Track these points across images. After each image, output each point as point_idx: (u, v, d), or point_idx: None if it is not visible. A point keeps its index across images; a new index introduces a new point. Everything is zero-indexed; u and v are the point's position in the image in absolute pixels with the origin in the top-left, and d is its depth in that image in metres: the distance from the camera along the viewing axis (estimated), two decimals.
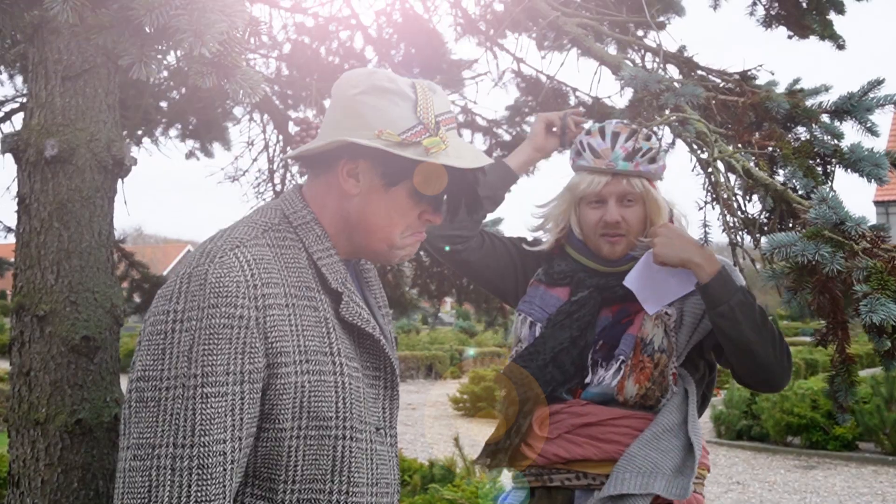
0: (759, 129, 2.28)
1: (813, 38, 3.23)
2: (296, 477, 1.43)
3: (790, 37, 3.14)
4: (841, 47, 3.15)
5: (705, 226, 2.34)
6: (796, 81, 2.54)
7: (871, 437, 11.44)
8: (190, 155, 5.51)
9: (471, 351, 17.67)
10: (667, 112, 2.22)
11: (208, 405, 1.34)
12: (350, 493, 1.46)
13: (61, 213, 2.92)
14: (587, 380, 2.21)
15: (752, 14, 3.45)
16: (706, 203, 2.32)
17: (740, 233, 2.06)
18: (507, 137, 5.37)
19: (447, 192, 1.54)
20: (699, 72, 2.86)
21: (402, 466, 6.25)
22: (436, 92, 1.56)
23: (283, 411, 1.41)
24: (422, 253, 5.56)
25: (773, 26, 3.26)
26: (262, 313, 1.39)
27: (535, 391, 2.19)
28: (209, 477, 1.33)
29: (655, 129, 2.26)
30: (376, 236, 1.56)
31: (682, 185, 2.62)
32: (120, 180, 3.21)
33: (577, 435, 2.18)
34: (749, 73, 2.75)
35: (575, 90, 4.49)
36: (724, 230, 2.02)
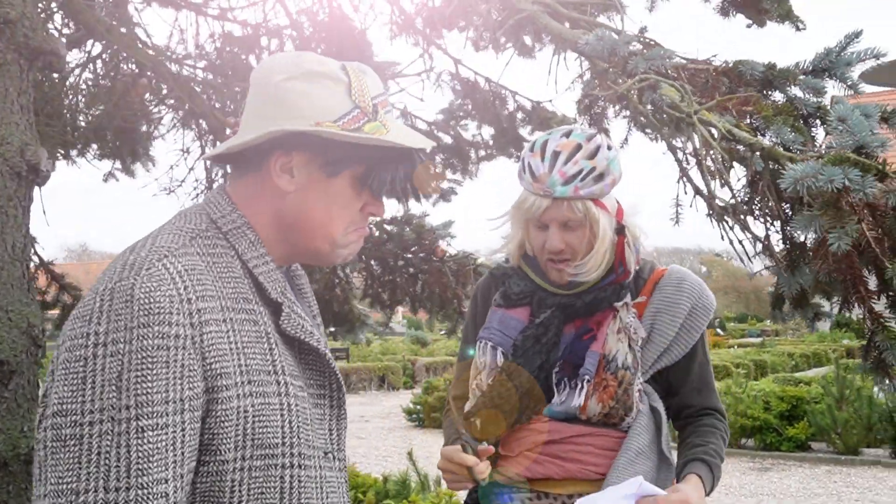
0: (734, 95, 2.07)
1: (772, 25, 3.03)
2: None
3: (749, 25, 2.94)
4: (800, 29, 2.96)
5: (677, 205, 2.12)
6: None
7: (824, 437, 11.31)
8: (109, 177, 5.10)
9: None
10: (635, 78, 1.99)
11: (145, 440, 1.15)
12: None
13: None
14: (552, 399, 2.04)
15: (707, 0, 3.24)
16: (679, 180, 2.10)
17: (721, 207, 1.84)
18: (448, 140, 5.15)
19: (393, 177, 1.37)
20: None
21: (355, 482, 5.91)
22: (367, 73, 1.40)
23: (225, 441, 1.24)
24: (373, 262, 5.28)
25: (732, 14, 3.04)
26: (198, 331, 1.22)
27: (508, 421, 2.04)
28: None
29: (605, 130, 2.02)
30: (317, 234, 1.38)
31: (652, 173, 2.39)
32: (38, 188, 2.90)
33: (539, 453, 2.02)
34: (707, 61, 2.56)
35: (514, 94, 4.28)
36: (709, 211, 1.80)
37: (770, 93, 2.11)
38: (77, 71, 4.33)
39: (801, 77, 1.98)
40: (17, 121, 2.69)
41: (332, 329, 5.72)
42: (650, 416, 2.02)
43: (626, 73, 2.08)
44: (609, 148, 1.99)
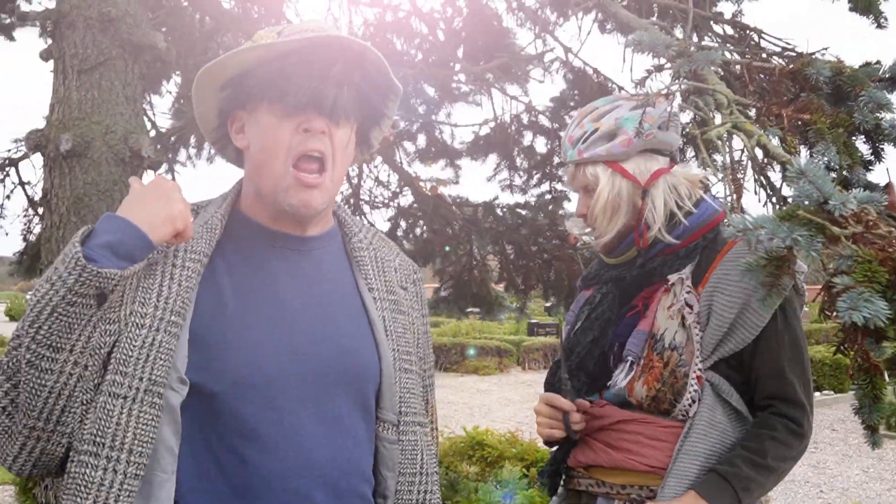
0: (796, 101, 1.72)
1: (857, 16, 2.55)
2: None
3: (851, 8, 2.48)
4: (882, 25, 2.44)
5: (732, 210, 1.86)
6: (868, 64, 1.86)
7: None
8: None
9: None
10: (679, 80, 1.71)
11: None
12: None
13: (78, 208, 2.75)
14: (609, 381, 1.89)
15: None
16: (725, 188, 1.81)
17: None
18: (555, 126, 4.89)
19: (296, 81, 1.30)
20: (753, 34, 2.29)
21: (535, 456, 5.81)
22: (303, 22, 1.42)
23: None
24: (508, 246, 5.15)
25: None
26: None
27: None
28: None
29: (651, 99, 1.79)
30: (265, 174, 1.35)
31: None
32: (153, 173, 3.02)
33: (595, 439, 1.88)
34: (813, 56, 2.15)
35: (621, 88, 3.95)
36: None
37: (845, 101, 1.73)
38: None
39: (870, 86, 1.59)
40: (122, 111, 2.80)
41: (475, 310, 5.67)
42: (724, 411, 1.74)
43: (675, 75, 1.79)
44: (637, 108, 1.79)
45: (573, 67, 4.23)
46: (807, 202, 1.15)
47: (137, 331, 1.23)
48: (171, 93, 4.29)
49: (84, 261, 1.16)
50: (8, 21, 3.94)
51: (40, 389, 1.19)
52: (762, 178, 1.64)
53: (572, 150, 1.86)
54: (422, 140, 4.86)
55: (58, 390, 1.20)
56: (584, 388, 1.91)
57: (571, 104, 4.33)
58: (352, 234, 1.51)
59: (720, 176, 1.58)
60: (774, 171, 1.59)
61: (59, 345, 1.19)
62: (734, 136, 1.60)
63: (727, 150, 1.55)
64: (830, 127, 1.54)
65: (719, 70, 1.78)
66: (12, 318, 30.04)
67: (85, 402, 1.22)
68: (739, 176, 1.55)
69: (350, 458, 1.36)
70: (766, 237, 1.13)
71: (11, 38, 3.98)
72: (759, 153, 1.67)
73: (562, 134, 1.97)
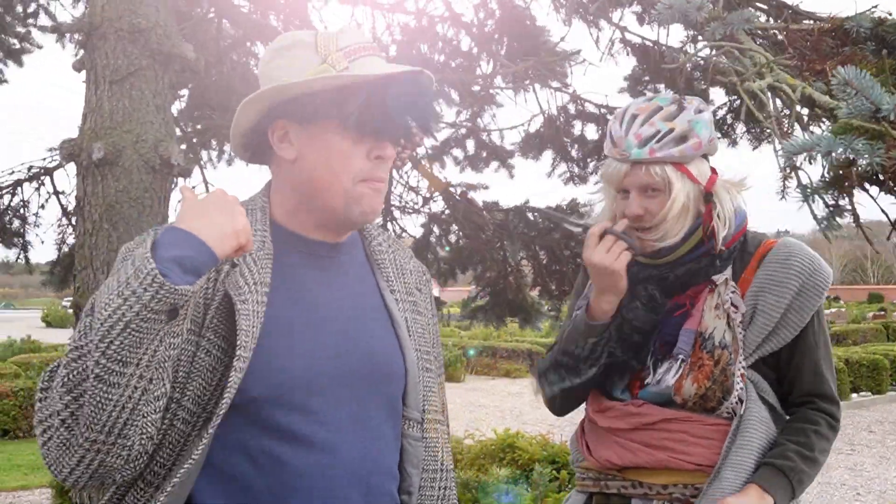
0: (839, 56, 1.67)
1: None
2: None
3: None
4: None
5: (784, 178, 1.81)
6: None
7: None
8: None
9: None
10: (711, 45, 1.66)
11: None
12: None
13: (110, 215, 2.75)
14: (647, 380, 1.85)
15: None
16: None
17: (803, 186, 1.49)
18: None
19: (379, 114, 1.31)
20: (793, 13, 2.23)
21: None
22: (345, 31, 1.39)
23: None
24: (541, 251, 5.09)
25: None
26: None
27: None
28: None
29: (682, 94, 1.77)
30: (327, 191, 1.35)
31: None
32: (180, 180, 3.02)
33: (630, 440, 1.84)
34: (811, 20, 2.10)
35: (684, 52, 3.89)
36: (783, 177, 1.46)
37: (893, 53, 1.68)
38: None
39: None
40: (152, 120, 2.81)
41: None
42: (761, 407, 1.77)
43: (705, 39, 1.75)
44: (700, 111, 1.79)
45: (633, 45, 4.16)
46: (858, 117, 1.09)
47: (237, 374, 1.25)
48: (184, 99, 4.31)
49: (161, 278, 1.14)
50: (17, 46, 4.02)
51: (106, 403, 1.18)
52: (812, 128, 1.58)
53: (640, 148, 1.78)
54: (471, 146, 4.85)
55: (122, 403, 1.19)
56: (621, 386, 1.88)
57: (646, 79, 4.23)
58: (371, 238, 1.54)
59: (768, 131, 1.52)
60: (823, 124, 1.53)
61: (128, 359, 1.17)
62: (777, 95, 1.55)
63: (771, 102, 1.49)
64: (878, 73, 1.49)
65: (761, 41, 1.72)
66: (49, 325, 30.13)
67: (145, 413, 1.21)
68: (786, 129, 1.49)
69: (380, 457, 1.39)
70: (822, 152, 1.08)
71: (20, 64, 4.06)
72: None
73: (610, 119, 1.89)
